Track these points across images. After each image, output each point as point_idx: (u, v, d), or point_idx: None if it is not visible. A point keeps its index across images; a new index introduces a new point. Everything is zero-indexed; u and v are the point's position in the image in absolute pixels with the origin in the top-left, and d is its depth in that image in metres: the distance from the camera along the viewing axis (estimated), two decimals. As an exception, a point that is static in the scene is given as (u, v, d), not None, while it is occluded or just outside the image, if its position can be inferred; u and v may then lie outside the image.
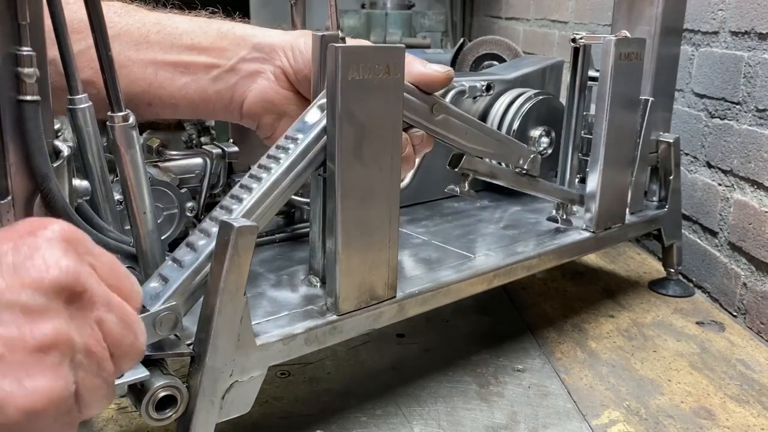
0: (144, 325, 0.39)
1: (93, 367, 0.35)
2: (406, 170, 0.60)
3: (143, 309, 0.46)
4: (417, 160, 0.63)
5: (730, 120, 0.91)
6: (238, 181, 0.71)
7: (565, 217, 0.81)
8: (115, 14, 0.58)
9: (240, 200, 0.51)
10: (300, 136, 0.54)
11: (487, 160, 0.69)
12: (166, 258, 0.50)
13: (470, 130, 0.65)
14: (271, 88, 0.61)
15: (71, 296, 0.34)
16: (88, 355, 0.34)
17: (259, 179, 0.52)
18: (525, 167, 0.72)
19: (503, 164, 0.71)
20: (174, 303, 0.47)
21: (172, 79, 0.59)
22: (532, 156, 0.72)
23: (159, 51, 0.59)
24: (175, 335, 0.48)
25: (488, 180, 0.71)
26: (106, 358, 0.35)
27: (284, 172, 0.52)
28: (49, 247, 0.34)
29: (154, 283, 0.48)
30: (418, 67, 0.60)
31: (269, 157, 0.54)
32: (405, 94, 0.58)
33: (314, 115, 0.54)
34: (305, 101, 0.62)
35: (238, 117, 0.63)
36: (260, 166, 0.53)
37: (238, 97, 0.61)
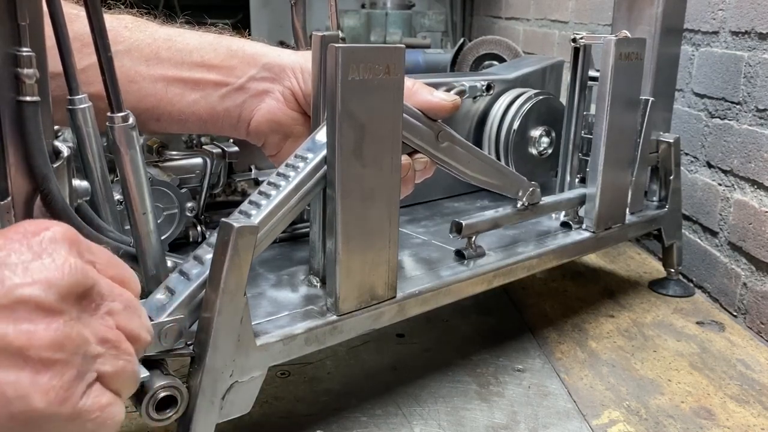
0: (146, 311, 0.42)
1: (112, 353, 0.37)
2: (404, 193, 0.61)
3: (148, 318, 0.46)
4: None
5: (730, 120, 0.91)
6: (239, 181, 0.72)
7: (576, 218, 0.81)
8: (125, 29, 0.59)
9: (248, 216, 0.51)
10: (310, 155, 0.54)
11: (486, 215, 0.70)
12: (171, 265, 0.50)
13: (473, 159, 0.66)
14: (279, 108, 0.61)
15: (82, 293, 0.36)
16: (103, 343, 0.36)
17: (268, 196, 0.52)
18: (524, 201, 0.72)
19: (501, 210, 0.72)
20: (180, 316, 0.47)
21: (181, 96, 0.59)
22: (531, 189, 0.72)
23: (169, 67, 0.59)
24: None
25: (493, 230, 0.71)
26: (122, 341, 0.38)
27: (293, 189, 0.52)
28: (55, 248, 0.35)
29: (160, 295, 0.48)
30: (425, 95, 0.60)
31: (279, 174, 0.54)
32: (411, 119, 0.59)
33: (324, 135, 0.54)
34: None
35: (244, 134, 0.63)
36: (269, 183, 0.53)
37: (246, 115, 0.61)
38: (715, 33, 0.95)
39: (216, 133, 0.66)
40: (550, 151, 0.92)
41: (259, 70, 0.61)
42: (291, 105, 0.62)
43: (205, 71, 0.60)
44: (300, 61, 0.62)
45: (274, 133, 0.62)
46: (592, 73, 0.83)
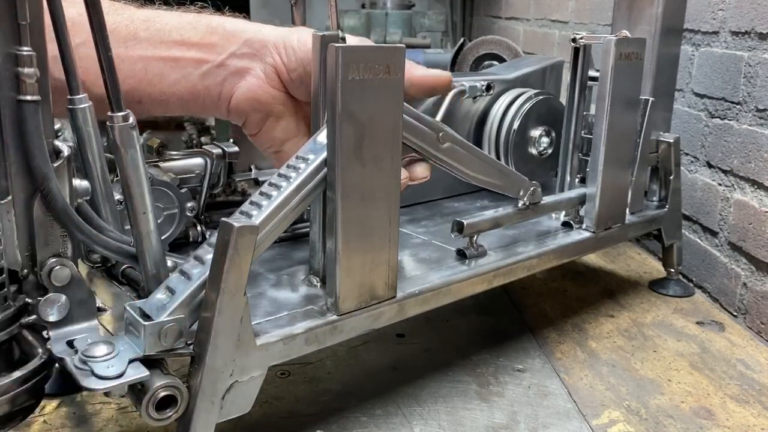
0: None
1: None
2: None
3: (148, 318, 0.46)
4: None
5: (730, 120, 0.91)
6: (239, 181, 0.72)
7: (577, 218, 0.81)
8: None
9: (249, 216, 0.51)
10: (311, 156, 0.54)
11: (487, 215, 0.70)
12: (172, 265, 0.50)
13: (474, 159, 0.66)
14: (260, 86, 0.60)
15: None
16: None
17: (269, 197, 0.52)
18: (525, 200, 0.72)
19: (502, 209, 0.72)
20: (180, 315, 0.47)
21: (161, 76, 0.59)
22: (531, 188, 0.72)
23: (148, 47, 0.58)
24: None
25: (494, 229, 0.71)
26: None
27: (294, 190, 0.52)
28: None
29: (160, 295, 0.48)
30: (420, 71, 0.59)
31: (280, 175, 0.54)
32: (413, 120, 0.59)
33: (326, 136, 0.54)
34: (294, 102, 0.62)
35: (225, 113, 0.62)
36: (270, 184, 0.53)
37: (225, 93, 0.60)
38: (715, 33, 0.95)
39: (198, 113, 0.65)
40: (550, 151, 0.92)
41: (240, 47, 0.60)
42: (273, 83, 0.60)
43: (185, 49, 0.59)
44: (283, 35, 0.60)
45: (254, 112, 0.61)
46: (592, 73, 0.83)
